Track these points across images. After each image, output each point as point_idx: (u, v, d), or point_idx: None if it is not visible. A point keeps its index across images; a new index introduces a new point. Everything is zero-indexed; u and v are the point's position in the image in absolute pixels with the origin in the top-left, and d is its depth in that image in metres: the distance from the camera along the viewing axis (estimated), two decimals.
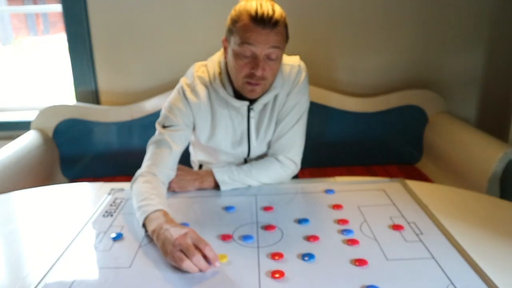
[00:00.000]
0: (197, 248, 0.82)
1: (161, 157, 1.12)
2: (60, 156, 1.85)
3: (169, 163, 1.12)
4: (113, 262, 0.85)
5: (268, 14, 1.00)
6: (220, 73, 1.15)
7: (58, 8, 1.91)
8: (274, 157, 1.21)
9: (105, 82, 1.95)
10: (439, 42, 1.92)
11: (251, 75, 1.05)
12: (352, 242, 0.90)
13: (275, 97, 1.17)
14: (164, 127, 1.15)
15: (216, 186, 1.17)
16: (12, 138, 1.84)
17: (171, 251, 0.82)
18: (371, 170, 1.88)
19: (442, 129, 1.80)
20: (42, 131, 1.81)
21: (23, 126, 1.90)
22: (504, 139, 1.79)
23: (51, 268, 0.83)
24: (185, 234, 0.84)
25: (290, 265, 0.82)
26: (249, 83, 1.07)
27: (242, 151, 1.23)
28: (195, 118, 1.17)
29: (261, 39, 1.01)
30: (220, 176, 1.16)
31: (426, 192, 1.12)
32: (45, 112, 1.82)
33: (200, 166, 1.34)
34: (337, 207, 1.05)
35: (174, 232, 0.85)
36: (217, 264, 0.82)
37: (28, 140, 1.71)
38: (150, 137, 1.17)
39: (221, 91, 1.13)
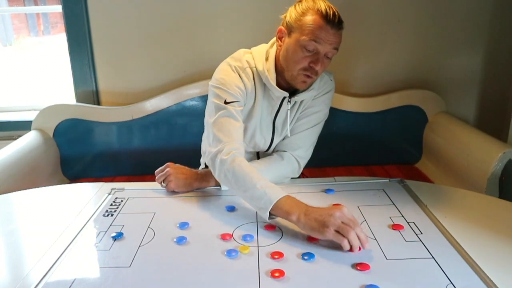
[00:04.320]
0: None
1: (237, 132, 1.11)
2: (60, 156, 1.85)
3: (242, 138, 1.13)
4: (113, 261, 0.85)
5: (336, 15, 1.07)
6: (266, 62, 1.18)
7: (58, 8, 1.91)
8: (278, 154, 1.24)
9: (105, 82, 1.95)
10: (439, 43, 1.92)
11: (308, 69, 1.11)
12: None
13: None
14: (226, 102, 1.13)
15: (217, 186, 1.17)
16: (12, 138, 1.85)
17: (334, 223, 0.85)
18: (371, 170, 1.88)
19: (442, 129, 1.80)
20: (42, 131, 1.81)
21: (24, 126, 1.90)
22: (503, 139, 1.79)
23: (51, 267, 0.83)
24: (341, 209, 0.88)
25: (290, 264, 0.83)
26: (303, 75, 1.12)
27: (265, 142, 1.26)
28: (246, 99, 1.19)
29: (328, 38, 1.07)
30: None
31: (426, 192, 1.13)
32: (46, 112, 1.82)
33: None
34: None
35: (328, 208, 0.90)
36: (367, 246, 0.85)
37: (28, 140, 1.71)
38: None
39: (265, 78, 1.16)
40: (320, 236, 0.87)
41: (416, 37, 1.91)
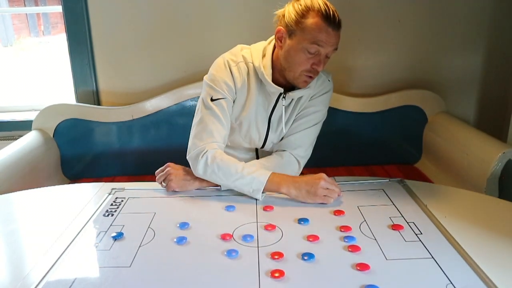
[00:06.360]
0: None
1: (219, 133, 1.16)
2: (61, 156, 1.85)
3: (223, 138, 1.18)
4: (114, 261, 0.85)
5: (335, 14, 1.08)
6: (263, 58, 1.20)
7: (58, 8, 1.91)
8: (278, 154, 1.25)
9: (105, 82, 1.95)
10: (439, 43, 1.92)
11: (311, 70, 1.13)
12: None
13: (300, 96, 1.23)
14: (212, 100, 1.18)
15: (217, 186, 1.17)
16: (13, 138, 1.85)
17: (322, 192, 1.06)
18: (371, 170, 1.88)
19: (442, 129, 1.80)
20: (42, 131, 1.81)
21: (24, 126, 1.90)
22: (503, 139, 1.79)
23: (52, 267, 0.83)
24: (323, 177, 1.08)
25: (290, 264, 0.83)
26: (306, 76, 1.14)
27: (260, 137, 1.27)
28: (235, 93, 1.21)
29: (330, 40, 1.09)
30: None
31: (426, 192, 1.13)
32: (46, 112, 1.82)
33: None
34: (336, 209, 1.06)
35: (312, 178, 1.08)
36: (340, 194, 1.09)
37: (29, 140, 1.72)
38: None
39: (261, 74, 1.18)
40: (312, 202, 1.07)
41: (416, 37, 1.91)
